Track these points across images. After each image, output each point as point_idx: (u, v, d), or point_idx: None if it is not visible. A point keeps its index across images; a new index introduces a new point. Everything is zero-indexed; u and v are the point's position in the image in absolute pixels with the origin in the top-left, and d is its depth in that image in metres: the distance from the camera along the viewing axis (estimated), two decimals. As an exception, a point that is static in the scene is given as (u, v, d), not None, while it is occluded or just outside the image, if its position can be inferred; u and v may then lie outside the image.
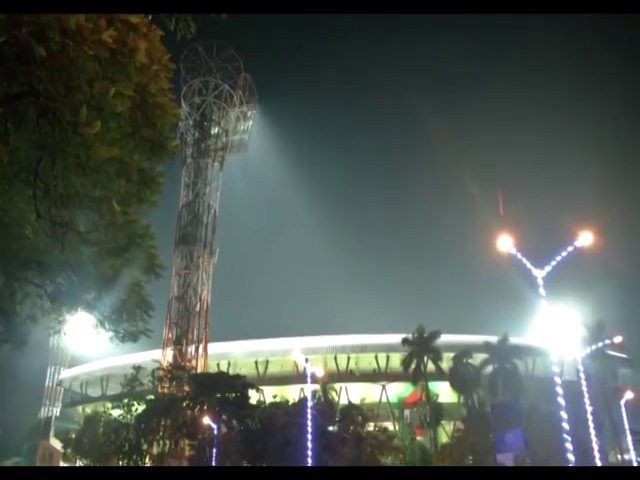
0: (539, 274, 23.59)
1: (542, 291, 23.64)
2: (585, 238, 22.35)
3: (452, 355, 57.45)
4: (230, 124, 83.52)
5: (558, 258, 23.39)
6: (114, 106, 8.21)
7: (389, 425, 61.53)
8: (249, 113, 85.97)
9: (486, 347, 55.64)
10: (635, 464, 41.66)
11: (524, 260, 23.47)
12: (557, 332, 26.62)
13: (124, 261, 12.13)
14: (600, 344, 41.13)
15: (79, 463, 64.51)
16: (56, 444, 79.13)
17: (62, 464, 77.41)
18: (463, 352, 56.40)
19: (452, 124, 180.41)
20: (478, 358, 56.67)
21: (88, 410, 77.74)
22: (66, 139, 8.20)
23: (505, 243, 22.68)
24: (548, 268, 23.57)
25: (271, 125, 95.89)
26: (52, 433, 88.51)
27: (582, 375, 33.02)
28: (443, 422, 62.00)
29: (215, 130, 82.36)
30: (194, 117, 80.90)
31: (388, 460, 53.96)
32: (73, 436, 62.81)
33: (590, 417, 32.04)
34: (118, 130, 8.80)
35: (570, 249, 23.20)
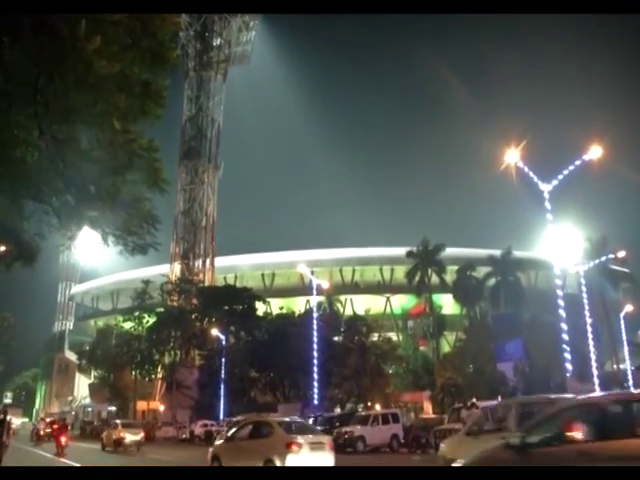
0: (545, 188, 23.46)
1: (548, 205, 23.61)
2: (594, 152, 22.06)
3: (456, 268, 58.03)
4: (232, 35, 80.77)
5: (565, 172, 23.19)
6: (111, 15, 7.90)
7: (393, 335, 62.98)
8: (251, 23, 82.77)
9: (490, 260, 56.16)
10: (630, 373, 42.97)
11: (531, 174, 23.29)
12: (561, 246, 26.77)
13: (127, 179, 12.07)
14: (603, 258, 41.47)
15: (94, 373, 67.09)
16: (71, 356, 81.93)
17: (78, 375, 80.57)
18: (467, 265, 56.95)
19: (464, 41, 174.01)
20: (481, 271, 57.28)
21: (100, 323, 79.80)
22: (64, 54, 7.95)
23: (512, 156, 22.43)
24: (555, 182, 23.42)
25: (274, 39, 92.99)
26: (67, 346, 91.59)
27: (584, 288, 33.48)
28: (446, 333, 63.55)
29: (217, 41, 79.80)
30: (195, 28, 78.19)
31: (392, 369, 55.71)
32: (87, 348, 64.80)
33: (589, 328, 32.76)
34: (117, 41, 8.51)
35: (578, 163, 22.96)
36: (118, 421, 34.55)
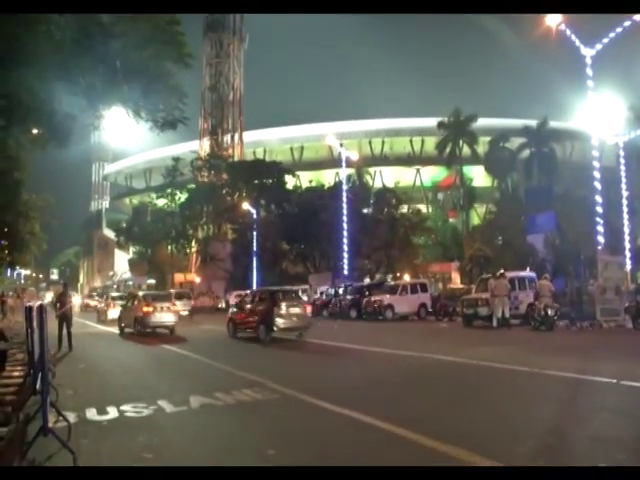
0: (588, 52, 22.10)
1: (589, 71, 22.36)
2: (645, 11, 20.41)
3: (488, 139, 56.53)
4: None
5: (612, 34, 21.68)
6: None
7: (422, 207, 62.93)
8: None
9: (524, 131, 54.20)
10: None
11: (573, 37, 21.87)
12: (600, 115, 25.60)
13: (152, 52, 11.83)
14: (646, 128, 39.66)
15: (132, 249, 69.50)
16: (109, 233, 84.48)
17: (117, 251, 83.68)
18: (500, 136, 55.23)
19: None
20: (515, 142, 55.61)
21: (135, 201, 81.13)
22: None
23: (554, 19, 21.01)
24: (599, 46, 22.00)
25: None
26: (104, 224, 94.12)
27: (622, 160, 32.44)
28: (476, 205, 63.08)
29: None
30: None
31: (421, 240, 56.35)
32: (124, 225, 66.49)
33: (625, 202, 32.11)
34: None
35: (627, 24, 21.35)
36: (94, 294, 58.20)
